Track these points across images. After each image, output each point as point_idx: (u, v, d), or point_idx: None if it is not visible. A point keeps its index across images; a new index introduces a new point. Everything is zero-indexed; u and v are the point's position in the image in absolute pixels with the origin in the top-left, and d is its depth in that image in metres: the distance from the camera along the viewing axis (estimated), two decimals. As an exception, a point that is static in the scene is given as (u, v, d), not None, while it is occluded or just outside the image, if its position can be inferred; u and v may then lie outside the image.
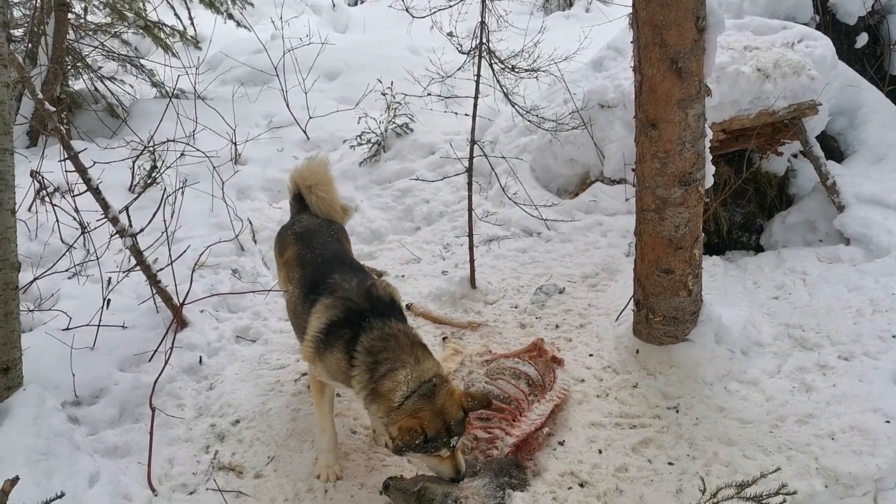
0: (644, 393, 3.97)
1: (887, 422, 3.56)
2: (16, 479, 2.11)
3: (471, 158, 5.07)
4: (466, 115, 5.21)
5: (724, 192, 5.27)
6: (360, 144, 7.27)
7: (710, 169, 3.83)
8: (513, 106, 5.14)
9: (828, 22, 6.58)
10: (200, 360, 4.56)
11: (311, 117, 7.78)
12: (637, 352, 4.20)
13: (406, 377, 3.13)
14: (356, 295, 3.34)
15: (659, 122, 3.61)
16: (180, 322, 4.74)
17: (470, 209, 5.20)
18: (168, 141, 5.82)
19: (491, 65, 4.91)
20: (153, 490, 3.49)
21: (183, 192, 5.35)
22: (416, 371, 3.15)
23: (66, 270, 5.18)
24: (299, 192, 4.31)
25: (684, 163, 3.67)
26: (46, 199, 5.50)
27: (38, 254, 5.38)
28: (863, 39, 6.76)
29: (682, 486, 3.33)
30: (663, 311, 4.05)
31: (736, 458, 3.46)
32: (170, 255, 4.89)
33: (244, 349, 4.76)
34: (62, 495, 1.97)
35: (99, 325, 4.52)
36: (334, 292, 3.37)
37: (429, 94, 5.45)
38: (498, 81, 4.91)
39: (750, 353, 4.12)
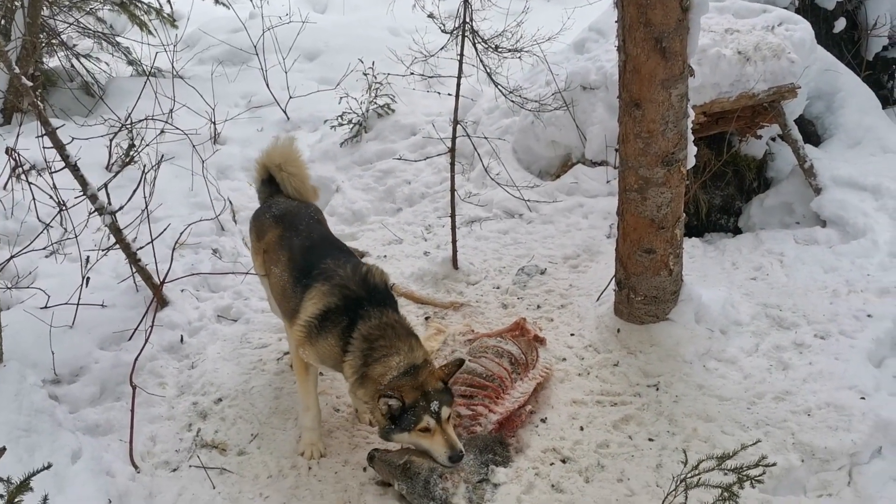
0: (625, 371, 4.02)
1: (862, 398, 3.65)
2: (3, 449, 2.09)
3: (453, 139, 5.07)
4: (450, 94, 5.19)
5: (705, 174, 5.32)
6: (340, 125, 7.21)
7: (693, 150, 3.87)
8: (496, 86, 5.14)
9: (807, 6, 6.64)
10: (182, 339, 4.53)
11: (291, 97, 7.71)
12: (618, 331, 4.25)
13: (398, 363, 3.20)
14: (353, 282, 3.36)
15: (643, 101, 3.63)
16: (160, 301, 4.71)
17: (452, 190, 5.20)
18: (146, 119, 5.74)
19: (475, 44, 4.90)
20: (135, 467, 3.48)
21: (157, 169, 5.27)
22: (408, 358, 3.22)
23: (44, 249, 5.09)
24: (268, 176, 4.27)
25: (667, 143, 3.70)
26: (22, 176, 5.40)
27: (14, 231, 5.30)
28: (841, 24, 6.84)
29: (663, 461, 3.39)
30: (644, 291, 4.09)
31: (715, 433, 3.52)
32: (150, 233, 4.83)
33: (226, 328, 4.75)
34: (49, 466, 1.95)
35: (78, 304, 4.47)
36: (330, 279, 3.38)
37: (412, 74, 5.41)
38: (481, 61, 4.89)
39: (729, 333, 4.19)
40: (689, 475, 2.57)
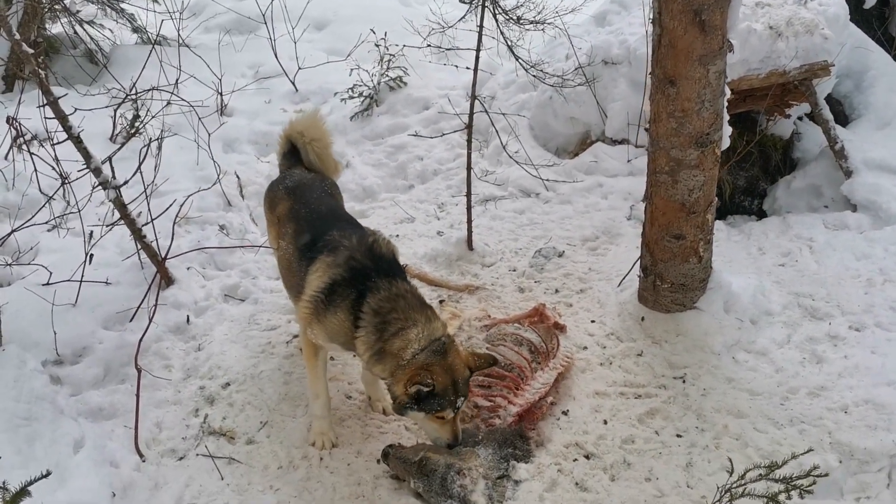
0: (649, 362, 3.86)
1: (901, 395, 3.48)
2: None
3: (471, 114, 4.85)
4: (468, 67, 4.97)
5: (736, 155, 5.08)
6: (351, 98, 6.99)
7: (727, 130, 3.66)
8: (517, 59, 4.91)
9: (837, -20, 6.36)
10: (188, 320, 4.37)
11: (300, 68, 7.47)
12: (642, 319, 4.08)
13: (417, 335, 3.03)
14: (359, 253, 3.17)
15: (678, 78, 3.41)
16: (166, 279, 4.54)
17: (469, 168, 5.00)
18: (152, 89, 5.52)
19: (495, 15, 4.66)
20: (141, 455, 3.33)
21: (161, 142, 5.08)
22: (426, 329, 3.05)
23: (46, 223, 4.93)
24: (290, 149, 4.11)
25: (702, 122, 3.49)
26: (24, 146, 5.21)
27: (15, 204, 5.13)
28: (871, 0, 6.57)
29: (693, 459, 3.23)
30: (672, 278, 3.91)
31: (747, 430, 3.36)
32: (149, 210, 4.64)
33: (233, 309, 4.58)
34: (48, 474, 1.79)
35: (81, 281, 4.30)
36: (335, 250, 3.20)
37: (428, 46, 5.18)
38: (502, 33, 4.66)
39: (759, 323, 4.01)
40: (734, 485, 2.40)
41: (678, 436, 3.37)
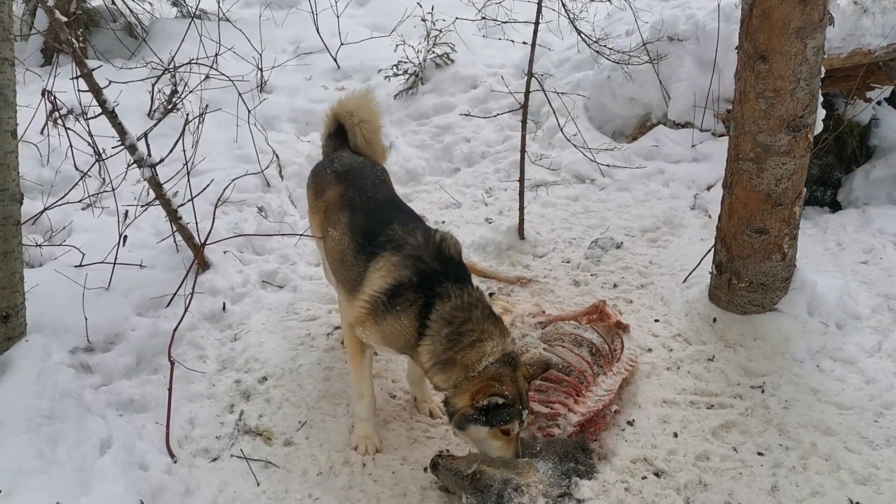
0: (722, 368, 3.51)
1: None
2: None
3: (527, 93, 4.52)
4: (524, 42, 4.61)
5: (820, 143, 4.64)
6: (395, 75, 6.70)
7: (821, 113, 3.27)
8: (579, 34, 4.55)
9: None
10: (224, 307, 4.14)
11: (342, 44, 7.18)
12: (714, 320, 3.73)
13: (492, 348, 2.77)
14: (427, 253, 2.88)
15: (770, 54, 3.04)
16: (202, 263, 4.31)
17: (523, 151, 4.67)
18: (190, 62, 5.28)
19: (556, -16, 4.32)
20: (172, 456, 3.09)
21: (202, 121, 4.83)
22: (501, 343, 2.79)
23: (80, 201, 4.73)
24: (336, 129, 3.82)
25: (796, 104, 3.11)
26: (59, 121, 5.01)
27: (49, 181, 4.94)
28: (964, -25, 6.02)
29: (778, 482, 2.88)
30: (750, 277, 3.55)
31: (837, 450, 3.01)
32: (190, 190, 4.41)
33: (271, 296, 4.34)
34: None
35: (115, 263, 4.09)
36: (400, 248, 2.91)
37: (483, 19, 4.83)
38: (564, 5, 4.31)
39: (845, 328, 3.64)
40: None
41: (759, 454, 3.03)
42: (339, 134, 3.79)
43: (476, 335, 2.77)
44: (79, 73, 4.03)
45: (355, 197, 3.29)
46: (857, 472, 2.89)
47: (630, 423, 3.23)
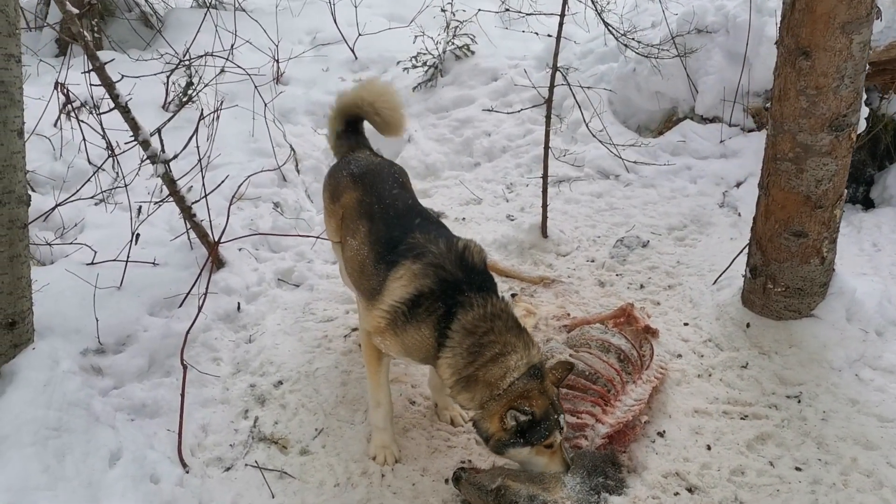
0: (756, 376, 3.37)
1: None
2: None
3: (551, 87, 4.37)
4: (549, 35, 4.46)
5: (862, 139, 4.46)
6: (414, 67, 6.55)
7: (864, 111, 3.10)
8: (606, 26, 4.39)
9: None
10: (238, 307, 4.04)
11: (360, 34, 7.05)
12: (747, 325, 3.58)
13: (517, 362, 2.62)
14: (449, 262, 2.75)
15: (813, 49, 2.87)
16: (216, 262, 4.20)
17: (546, 146, 4.52)
18: (206, 55, 5.16)
19: (583, -25, 4.16)
20: (184, 465, 2.99)
21: (218, 116, 4.72)
22: (526, 356, 2.65)
23: (92, 197, 4.64)
24: (344, 128, 3.66)
25: (839, 102, 2.95)
26: (72, 114, 4.92)
27: (61, 175, 4.84)
28: None
29: (818, 500, 2.73)
30: (787, 281, 3.39)
31: (879, 466, 2.86)
32: (204, 187, 4.30)
33: (287, 295, 4.23)
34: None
35: (127, 261, 3.99)
36: (422, 256, 2.78)
37: (507, 10, 4.67)
38: (590, -4, 4.15)
39: (885, 334, 3.48)
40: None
41: (797, 469, 2.89)
42: (348, 133, 3.65)
43: (499, 347, 2.63)
44: (91, 67, 3.92)
45: (374, 203, 3.15)
46: (901, 489, 2.74)
47: (661, 435, 3.10)
